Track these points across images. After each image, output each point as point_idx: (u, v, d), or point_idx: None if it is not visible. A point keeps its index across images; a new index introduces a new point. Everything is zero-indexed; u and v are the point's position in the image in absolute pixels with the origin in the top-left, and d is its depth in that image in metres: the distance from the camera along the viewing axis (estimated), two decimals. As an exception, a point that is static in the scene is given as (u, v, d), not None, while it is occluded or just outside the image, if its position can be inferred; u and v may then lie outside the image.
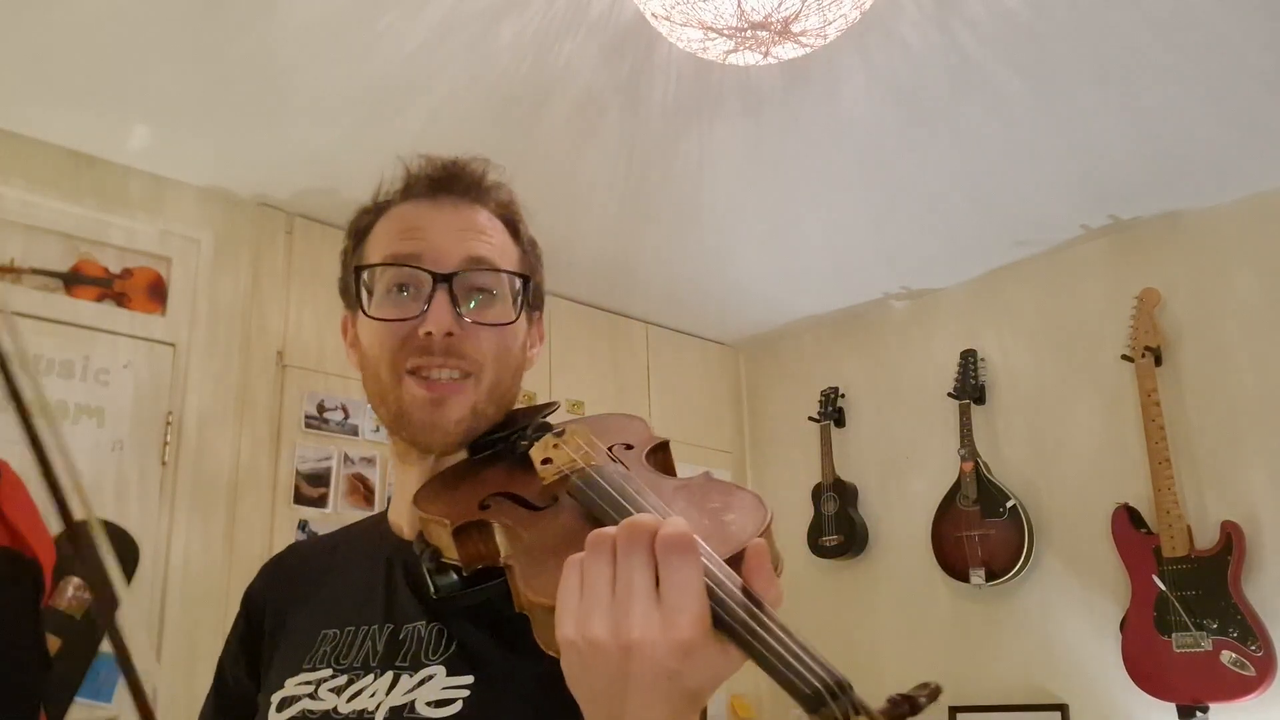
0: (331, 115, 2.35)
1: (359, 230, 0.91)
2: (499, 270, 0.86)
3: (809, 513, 3.60)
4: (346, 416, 2.80)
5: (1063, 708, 2.94)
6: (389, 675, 0.79)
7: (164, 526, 2.43)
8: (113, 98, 2.27)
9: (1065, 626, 3.01)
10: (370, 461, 2.82)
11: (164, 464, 2.46)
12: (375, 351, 0.85)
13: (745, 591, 0.58)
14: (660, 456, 0.83)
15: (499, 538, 0.74)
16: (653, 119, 2.38)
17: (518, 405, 0.91)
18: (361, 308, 0.86)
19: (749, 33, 1.78)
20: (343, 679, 0.81)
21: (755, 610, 0.56)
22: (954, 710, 3.14)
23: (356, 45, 2.08)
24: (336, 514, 2.71)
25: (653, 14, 1.82)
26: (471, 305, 0.84)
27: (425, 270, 0.83)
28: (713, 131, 2.45)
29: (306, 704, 0.81)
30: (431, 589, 0.78)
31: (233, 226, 2.72)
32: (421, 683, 0.77)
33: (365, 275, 0.86)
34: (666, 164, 2.60)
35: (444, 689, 0.76)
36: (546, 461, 0.77)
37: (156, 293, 2.56)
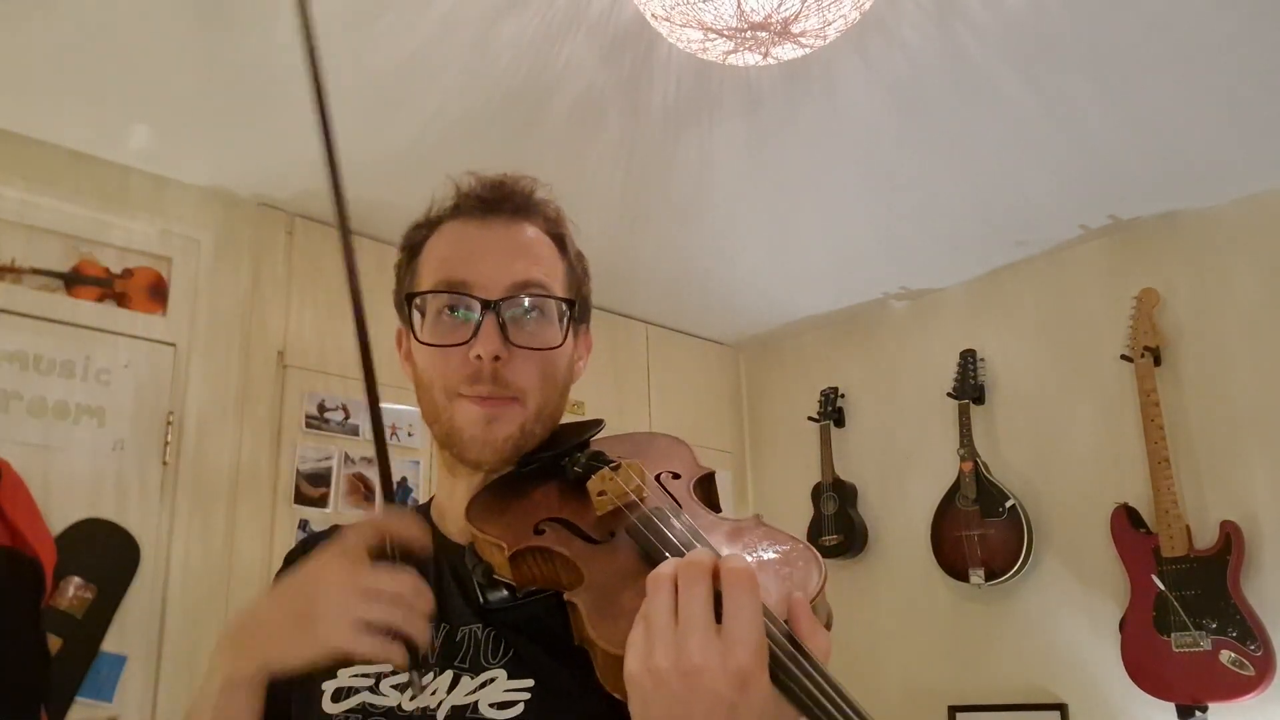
0: (332, 115, 2.35)
1: (412, 245, 0.94)
2: (546, 296, 0.88)
3: (809, 513, 3.61)
4: (347, 416, 2.80)
5: (1062, 708, 2.94)
6: (449, 675, 0.81)
7: (164, 526, 2.43)
8: (113, 98, 2.27)
9: (1065, 626, 3.01)
10: (370, 461, 2.82)
11: (164, 464, 2.47)
12: (429, 375, 0.88)
13: (795, 644, 0.61)
14: (706, 488, 0.86)
15: (558, 567, 0.76)
16: (653, 119, 2.38)
17: (565, 418, 0.93)
18: (413, 332, 0.89)
19: (749, 33, 1.78)
20: (402, 675, 0.82)
21: (806, 665, 0.59)
22: (953, 710, 3.15)
23: (356, 45, 2.08)
24: (337, 514, 2.71)
25: (653, 14, 1.82)
26: (520, 326, 0.87)
27: (475, 297, 0.86)
28: (713, 132, 2.45)
29: (368, 697, 0.82)
30: (482, 600, 0.81)
31: (233, 226, 2.72)
32: (483, 685, 0.79)
33: (417, 299, 0.89)
34: (666, 164, 2.60)
35: (505, 691, 0.78)
36: (602, 494, 0.79)
37: (157, 293, 2.56)
